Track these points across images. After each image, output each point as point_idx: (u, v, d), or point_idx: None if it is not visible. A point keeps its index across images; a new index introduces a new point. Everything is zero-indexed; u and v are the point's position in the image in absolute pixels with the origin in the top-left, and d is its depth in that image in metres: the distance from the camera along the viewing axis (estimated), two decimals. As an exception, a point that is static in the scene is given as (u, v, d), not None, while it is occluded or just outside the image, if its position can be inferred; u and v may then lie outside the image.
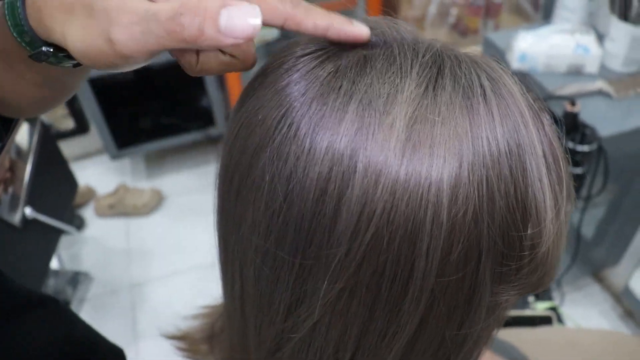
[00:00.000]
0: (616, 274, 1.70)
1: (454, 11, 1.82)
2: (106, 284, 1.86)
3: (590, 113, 1.17)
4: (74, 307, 1.77)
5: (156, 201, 2.08)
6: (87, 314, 1.79)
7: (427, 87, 0.29)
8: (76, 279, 1.83)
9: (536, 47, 1.27)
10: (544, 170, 0.30)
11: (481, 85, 0.30)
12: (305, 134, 0.28)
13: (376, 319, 0.30)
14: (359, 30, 0.31)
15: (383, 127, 0.27)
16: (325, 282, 0.29)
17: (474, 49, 1.85)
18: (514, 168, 0.29)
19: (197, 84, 2.02)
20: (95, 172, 2.25)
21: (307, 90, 0.29)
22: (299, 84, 0.30)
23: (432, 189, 0.27)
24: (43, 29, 0.30)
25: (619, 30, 1.25)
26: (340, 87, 0.29)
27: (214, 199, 0.39)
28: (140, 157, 2.30)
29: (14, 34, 0.31)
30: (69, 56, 0.31)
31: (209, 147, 2.32)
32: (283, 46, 0.35)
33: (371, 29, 0.33)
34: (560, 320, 1.10)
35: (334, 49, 0.32)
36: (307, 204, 0.28)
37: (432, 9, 1.84)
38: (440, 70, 0.30)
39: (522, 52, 1.27)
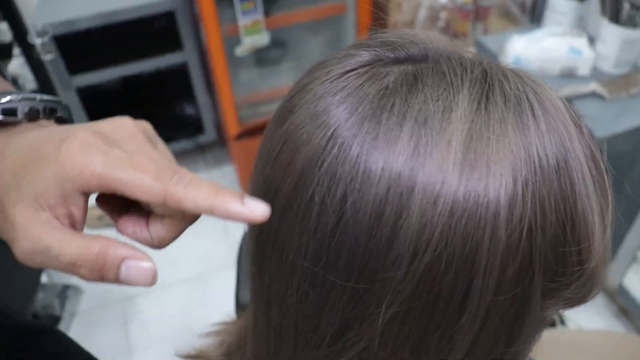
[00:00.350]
0: (610, 273, 1.71)
1: (444, 15, 1.83)
2: (97, 297, 1.82)
3: (584, 115, 1.18)
4: (64, 321, 1.74)
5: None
6: (78, 328, 1.75)
7: (479, 103, 0.28)
8: (65, 292, 1.79)
9: (530, 50, 1.28)
10: (590, 183, 0.30)
11: (528, 100, 0.30)
12: (358, 155, 0.27)
13: (428, 341, 0.30)
14: (249, 212, 0.28)
15: (440, 146, 0.27)
16: (379, 306, 0.28)
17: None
18: (563, 183, 0.28)
19: (186, 91, 2.00)
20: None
21: (356, 109, 0.28)
22: (346, 102, 0.29)
23: (490, 207, 0.27)
24: None
25: (610, 33, 1.26)
26: (392, 105, 0.28)
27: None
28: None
29: None
30: None
31: (198, 155, 2.29)
32: (320, 61, 0.34)
33: (413, 42, 0.32)
34: (562, 322, 1.11)
35: (378, 63, 0.31)
36: (362, 226, 0.27)
37: (422, 14, 1.84)
38: (490, 85, 0.29)
39: (516, 55, 1.28)
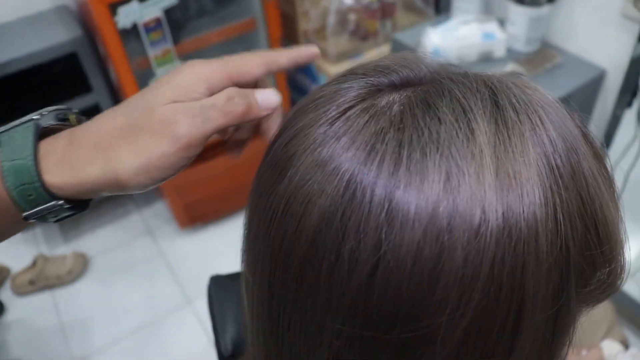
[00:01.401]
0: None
1: (352, 17, 1.84)
2: (46, 367, 1.69)
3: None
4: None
5: (81, 265, 1.92)
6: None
7: (496, 122, 0.27)
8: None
9: (446, 40, 1.30)
10: (600, 180, 0.29)
11: (535, 110, 0.29)
12: (385, 199, 0.25)
13: None
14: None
15: (472, 173, 0.25)
16: (430, 352, 0.26)
17: (381, 51, 1.88)
18: (580, 186, 0.28)
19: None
20: (4, 247, 2.04)
21: (369, 150, 0.26)
22: (354, 145, 0.27)
23: (531, 228, 0.25)
24: (69, 177, 0.35)
25: (517, 14, 1.32)
26: (410, 138, 0.26)
27: (246, 280, 0.34)
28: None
29: (13, 195, 0.34)
30: (70, 207, 0.36)
31: (126, 197, 2.19)
32: (309, 99, 0.31)
33: (402, 65, 0.30)
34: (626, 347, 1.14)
35: (375, 93, 0.29)
36: (402, 274, 0.25)
37: (332, 19, 1.84)
38: (499, 102, 0.28)
39: (434, 47, 1.31)
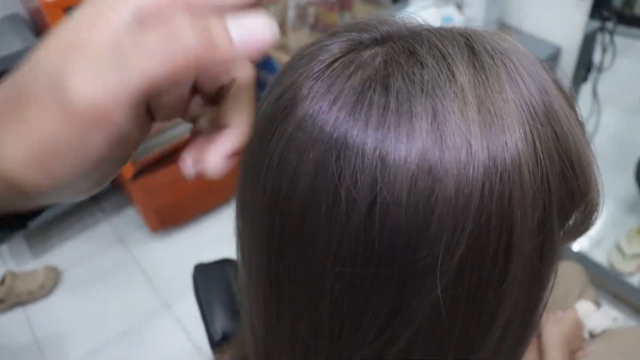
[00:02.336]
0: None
1: (311, 11, 1.86)
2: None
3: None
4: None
5: (53, 279, 1.88)
6: None
7: (474, 66, 0.29)
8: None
9: (406, 26, 1.33)
10: (571, 118, 0.31)
11: (507, 54, 0.30)
12: (377, 141, 0.26)
13: (478, 310, 0.29)
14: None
15: (457, 111, 0.26)
16: (428, 284, 0.27)
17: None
18: (554, 123, 0.30)
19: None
20: (-31, 268, 1.99)
21: (357, 100, 0.27)
22: (341, 96, 0.28)
23: (514, 160, 0.27)
24: None
25: (473, -4, 1.35)
26: (397, 84, 0.27)
27: (242, 242, 0.35)
28: (18, 236, 2.07)
29: None
30: None
31: (93, 206, 2.15)
32: (294, 57, 0.32)
33: (381, 22, 0.32)
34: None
35: (358, 47, 0.30)
36: (400, 208, 0.26)
37: (291, 14, 1.85)
38: (475, 48, 0.30)
39: (395, 34, 1.33)
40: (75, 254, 2.00)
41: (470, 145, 0.26)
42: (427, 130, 0.26)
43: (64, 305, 1.85)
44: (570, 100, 0.33)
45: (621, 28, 2.47)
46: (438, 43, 0.30)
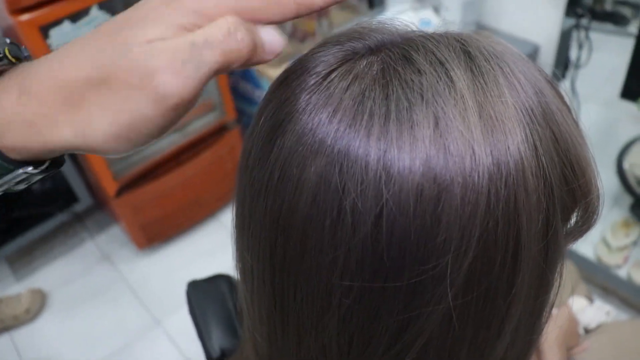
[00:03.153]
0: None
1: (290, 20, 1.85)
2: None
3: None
4: None
5: (39, 302, 1.84)
6: None
7: (472, 70, 0.28)
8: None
9: (386, 31, 1.33)
10: (568, 118, 0.31)
11: (503, 58, 0.30)
12: (380, 151, 0.26)
13: (488, 317, 0.29)
14: None
15: (458, 118, 0.26)
16: (438, 294, 0.27)
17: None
18: (552, 125, 0.30)
19: (46, 162, 1.83)
20: (-49, 295, 1.94)
21: (356, 111, 0.27)
22: (340, 108, 0.27)
23: (517, 163, 0.27)
24: (30, 140, 0.28)
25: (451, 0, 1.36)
26: (396, 92, 0.27)
27: (242, 261, 0.34)
28: (1, 261, 2.03)
29: None
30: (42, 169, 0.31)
31: (77, 225, 2.12)
32: (289, 69, 0.32)
33: (374, 31, 0.32)
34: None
35: (348, 58, 0.30)
36: (407, 219, 0.25)
37: (268, 23, 1.85)
38: (471, 53, 0.30)
39: (375, 39, 1.33)
40: (61, 275, 1.96)
41: (474, 152, 0.26)
42: (429, 138, 0.26)
43: (52, 328, 1.81)
44: (565, 100, 0.33)
45: (595, 24, 2.52)
46: (434, 49, 0.29)
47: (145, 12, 0.27)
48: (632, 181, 1.86)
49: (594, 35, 1.56)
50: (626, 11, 2.75)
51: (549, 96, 0.30)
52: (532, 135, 0.28)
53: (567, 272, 1.09)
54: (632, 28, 1.74)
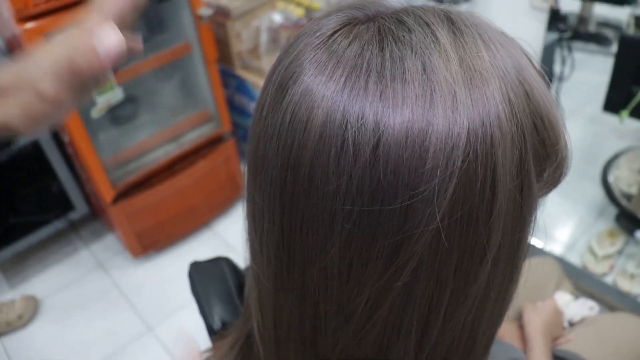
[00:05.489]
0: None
1: (284, 34, 1.91)
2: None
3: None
4: None
5: (32, 308, 1.85)
6: None
7: (454, 33, 0.33)
8: None
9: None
10: (539, 80, 0.36)
11: (479, 25, 0.35)
12: (377, 90, 0.30)
13: (470, 245, 0.33)
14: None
15: (441, 66, 0.31)
16: (427, 215, 0.31)
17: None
18: (525, 84, 0.34)
19: (44, 171, 1.86)
20: (-56, 302, 1.94)
21: (357, 60, 0.32)
22: (341, 62, 0.32)
23: (497, 109, 0.31)
24: None
25: None
26: (390, 45, 0.32)
27: (253, 206, 0.38)
28: (-6, 268, 2.04)
29: None
30: None
31: (71, 234, 2.14)
32: (299, 33, 0.36)
33: (373, 3, 0.37)
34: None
35: (350, 22, 0.35)
36: (400, 148, 0.30)
37: (264, 38, 1.91)
38: (452, 18, 0.35)
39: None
40: (54, 282, 1.98)
41: (455, 94, 0.30)
42: (418, 81, 0.30)
43: (44, 334, 1.82)
44: (538, 69, 0.38)
45: (579, 44, 2.61)
46: (422, 14, 0.35)
47: None
48: (617, 193, 1.91)
49: (578, 55, 1.63)
50: (609, 32, 2.86)
51: (523, 61, 0.35)
52: (505, 87, 0.32)
53: (552, 268, 1.14)
54: (615, 48, 1.81)
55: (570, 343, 0.94)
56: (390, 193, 0.31)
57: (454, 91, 0.30)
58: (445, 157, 0.30)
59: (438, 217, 0.31)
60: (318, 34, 0.35)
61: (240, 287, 0.69)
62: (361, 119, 0.30)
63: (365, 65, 0.31)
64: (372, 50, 0.32)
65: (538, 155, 0.35)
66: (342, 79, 0.31)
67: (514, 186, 0.33)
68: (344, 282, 0.34)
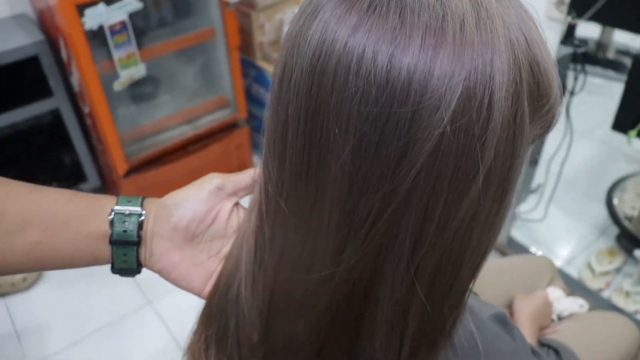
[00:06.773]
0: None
1: (307, 29, 1.96)
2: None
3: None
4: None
5: (36, 273, 1.90)
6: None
7: None
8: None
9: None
10: (538, 37, 0.40)
11: None
12: (395, 16, 0.35)
13: (465, 157, 0.36)
14: None
15: (459, 9, 0.35)
16: (435, 118, 0.34)
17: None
18: (525, 30, 0.38)
19: (61, 140, 1.91)
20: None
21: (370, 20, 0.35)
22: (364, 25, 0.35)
23: (496, 46, 0.35)
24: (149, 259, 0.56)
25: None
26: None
27: (275, 121, 0.41)
28: None
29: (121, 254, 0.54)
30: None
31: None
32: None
33: None
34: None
35: None
36: (413, 58, 0.34)
37: (286, 29, 1.95)
38: None
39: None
40: (60, 250, 2.01)
41: (465, 19, 0.34)
42: (433, 5, 0.35)
43: (46, 298, 1.86)
44: (542, 34, 0.41)
45: (597, 70, 2.63)
46: None
47: None
48: (621, 215, 1.93)
49: (595, 80, 1.66)
50: (627, 60, 2.88)
51: (527, 22, 0.39)
52: (508, 30, 0.36)
53: (546, 265, 1.16)
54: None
55: (557, 333, 0.96)
56: (403, 97, 0.34)
57: (463, 15, 0.34)
58: (452, 69, 0.34)
59: (445, 120, 0.34)
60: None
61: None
62: (381, 31, 0.34)
63: (385, 4, 0.35)
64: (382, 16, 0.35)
65: (532, 95, 0.38)
66: (366, 4, 0.35)
67: (508, 112, 0.36)
68: (354, 188, 0.38)
